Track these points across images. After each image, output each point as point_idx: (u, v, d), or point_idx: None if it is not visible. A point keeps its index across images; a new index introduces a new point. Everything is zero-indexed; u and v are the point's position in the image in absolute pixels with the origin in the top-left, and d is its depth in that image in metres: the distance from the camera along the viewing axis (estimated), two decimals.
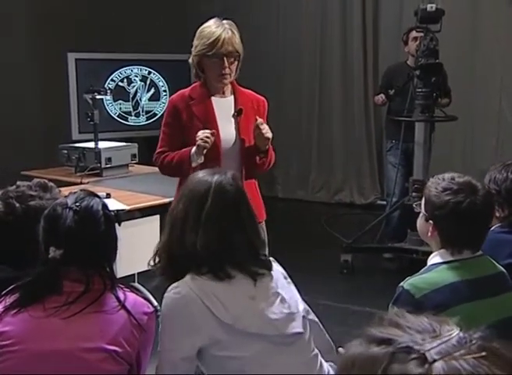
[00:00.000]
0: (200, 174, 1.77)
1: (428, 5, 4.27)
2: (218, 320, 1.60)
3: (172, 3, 6.98)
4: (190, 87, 2.69)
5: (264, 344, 1.65)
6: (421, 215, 1.88)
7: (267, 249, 2.15)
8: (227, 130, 2.61)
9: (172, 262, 1.71)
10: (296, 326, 1.69)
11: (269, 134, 2.56)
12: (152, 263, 1.75)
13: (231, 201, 1.71)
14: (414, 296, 1.72)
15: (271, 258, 1.81)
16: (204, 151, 2.49)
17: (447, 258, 1.80)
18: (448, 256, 1.80)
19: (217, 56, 2.53)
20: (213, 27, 2.55)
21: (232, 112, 2.64)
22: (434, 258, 1.83)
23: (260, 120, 2.55)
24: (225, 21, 2.59)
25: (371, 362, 0.64)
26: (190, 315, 1.60)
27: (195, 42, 2.60)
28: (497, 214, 2.11)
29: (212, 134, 2.50)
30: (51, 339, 1.54)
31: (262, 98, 2.75)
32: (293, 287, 1.81)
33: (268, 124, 2.62)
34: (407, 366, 0.61)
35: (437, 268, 1.79)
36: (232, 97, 2.67)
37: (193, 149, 2.52)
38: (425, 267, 1.84)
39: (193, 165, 2.51)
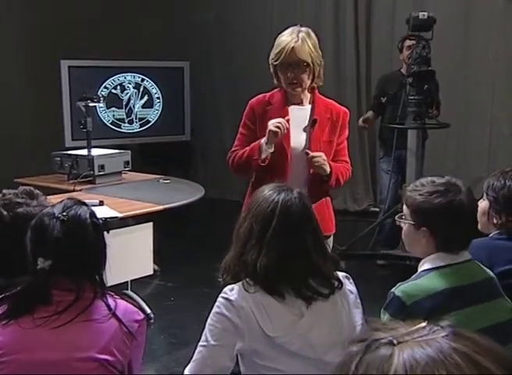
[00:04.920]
0: (267, 191, 1.73)
1: (420, 13, 4.30)
2: (262, 331, 1.62)
3: (166, 10, 6.99)
4: (270, 92, 2.71)
5: (301, 364, 1.65)
6: (406, 226, 1.87)
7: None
8: (298, 139, 2.61)
9: (234, 277, 1.72)
10: (341, 356, 1.64)
11: (320, 164, 2.53)
12: (221, 279, 1.76)
13: (297, 223, 1.68)
14: (405, 303, 1.73)
15: (343, 275, 1.78)
16: (276, 139, 2.48)
17: (438, 264, 1.80)
18: (439, 262, 1.80)
19: (283, 66, 2.55)
20: (285, 36, 2.57)
21: (307, 121, 2.63)
22: (424, 265, 1.83)
23: (312, 154, 2.53)
24: (303, 28, 2.59)
25: (349, 358, 0.71)
26: (237, 319, 1.63)
27: (271, 51, 2.62)
28: (494, 221, 2.12)
29: (287, 121, 2.50)
30: (42, 349, 1.53)
31: (344, 109, 2.72)
32: (358, 311, 1.76)
33: (348, 134, 2.70)
34: (377, 352, 0.69)
35: (428, 274, 1.79)
36: (310, 106, 2.66)
37: (264, 139, 2.51)
38: (416, 274, 1.84)
39: (263, 155, 2.51)
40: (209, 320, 1.68)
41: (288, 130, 2.56)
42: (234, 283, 1.70)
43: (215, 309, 1.68)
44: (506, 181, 2.11)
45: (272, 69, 2.64)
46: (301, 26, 2.62)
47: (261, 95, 2.72)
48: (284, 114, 2.60)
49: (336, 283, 1.72)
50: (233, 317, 1.63)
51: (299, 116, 2.64)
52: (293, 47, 2.51)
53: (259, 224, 1.68)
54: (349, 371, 0.69)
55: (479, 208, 2.15)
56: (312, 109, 2.64)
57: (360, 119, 5.03)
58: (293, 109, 2.64)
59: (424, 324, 0.72)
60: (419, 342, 0.68)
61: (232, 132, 2.72)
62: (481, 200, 2.16)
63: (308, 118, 2.64)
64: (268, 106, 2.64)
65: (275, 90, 2.70)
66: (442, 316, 1.67)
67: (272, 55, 2.60)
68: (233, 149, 2.70)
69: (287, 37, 2.55)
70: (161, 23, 6.94)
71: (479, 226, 2.18)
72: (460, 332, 0.70)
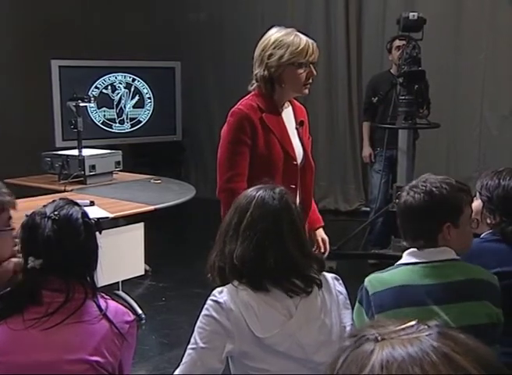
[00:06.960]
0: (250, 189, 1.79)
1: (410, 14, 4.32)
2: (251, 332, 1.63)
3: (158, 10, 6.98)
4: (251, 97, 2.46)
5: (290, 364, 1.66)
6: None
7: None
8: (296, 145, 2.50)
9: (220, 273, 1.74)
10: (330, 356, 1.64)
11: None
12: (209, 275, 1.77)
13: (270, 215, 1.71)
14: (368, 292, 1.78)
15: (332, 276, 1.79)
16: None
17: (408, 260, 1.82)
18: (409, 258, 1.82)
19: (307, 65, 2.41)
20: (292, 36, 2.41)
21: (293, 123, 2.54)
22: (404, 257, 1.86)
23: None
24: (289, 29, 2.45)
25: (339, 354, 0.72)
26: (227, 321, 1.64)
27: (276, 51, 2.38)
28: (488, 221, 2.10)
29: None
30: (32, 351, 1.52)
31: (302, 105, 2.65)
32: (348, 312, 1.78)
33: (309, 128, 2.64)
34: (360, 348, 0.70)
35: (400, 267, 1.83)
36: (291, 108, 2.55)
37: None
38: (396, 263, 1.87)
39: None
40: (198, 323, 1.68)
41: (289, 136, 2.47)
42: (222, 280, 1.72)
43: (204, 312, 1.68)
44: (501, 181, 2.11)
45: (279, 72, 2.40)
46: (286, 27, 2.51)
47: (245, 102, 2.45)
48: (279, 120, 2.47)
49: (318, 281, 1.72)
50: (222, 319, 1.64)
51: (288, 119, 2.54)
52: (313, 46, 2.42)
53: (236, 217, 1.73)
54: (336, 366, 0.71)
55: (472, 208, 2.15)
56: (294, 110, 2.56)
57: (366, 155, 5.02)
58: (283, 114, 2.51)
59: (413, 322, 0.72)
60: (402, 340, 0.69)
61: None
62: (474, 199, 2.16)
63: (294, 120, 2.55)
64: (263, 113, 2.42)
65: (253, 94, 2.48)
66: (388, 311, 1.72)
67: (289, 55, 2.36)
68: (232, 173, 2.40)
69: (297, 37, 2.41)
70: (152, 23, 6.93)
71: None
72: (446, 332, 0.71)
